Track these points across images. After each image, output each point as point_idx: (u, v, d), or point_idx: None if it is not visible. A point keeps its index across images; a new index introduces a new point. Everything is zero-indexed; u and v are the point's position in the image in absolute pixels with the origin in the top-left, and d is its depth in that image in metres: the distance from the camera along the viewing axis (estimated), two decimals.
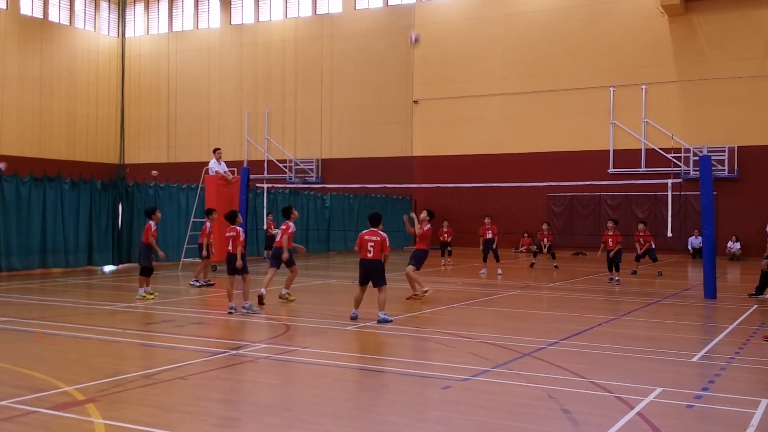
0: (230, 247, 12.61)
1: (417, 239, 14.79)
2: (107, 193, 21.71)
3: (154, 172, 20.60)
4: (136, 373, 7.80)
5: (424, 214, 14.92)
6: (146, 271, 14.28)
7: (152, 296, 14.19)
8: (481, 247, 21.70)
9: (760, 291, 15.37)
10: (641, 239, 21.65)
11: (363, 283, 11.80)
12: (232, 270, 12.57)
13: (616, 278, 18.91)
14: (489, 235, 21.40)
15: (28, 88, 40.60)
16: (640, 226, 21.95)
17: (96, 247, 21.27)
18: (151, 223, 14.45)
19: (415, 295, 14.50)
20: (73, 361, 8.56)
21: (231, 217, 13.02)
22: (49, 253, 20.11)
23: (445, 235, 24.23)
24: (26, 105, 40.49)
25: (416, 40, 19.57)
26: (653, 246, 21.72)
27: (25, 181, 19.60)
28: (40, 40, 41.28)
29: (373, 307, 11.75)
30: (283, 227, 13.84)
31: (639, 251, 21.65)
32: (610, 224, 19.81)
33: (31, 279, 18.28)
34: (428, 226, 14.80)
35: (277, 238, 14.03)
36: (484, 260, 21.56)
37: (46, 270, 19.96)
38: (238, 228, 12.74)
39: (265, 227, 24.26)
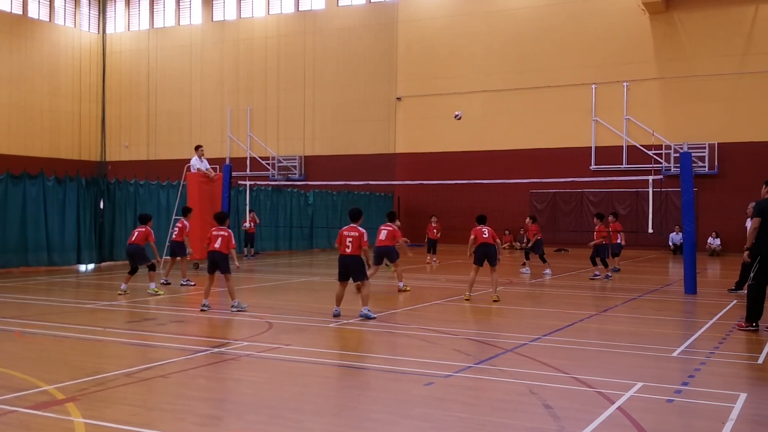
0: (218, 245, 12.56)
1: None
2: (89, 191, 21.51)
3: None
4: (116, 372, 7.74)
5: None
6: (152, 267, 14.95)
7: (162, 293, 14.71)
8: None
9: (739, 286, 15.51)
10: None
11: (342, 278, 11.85)
12: (214, 269, 12.60)
13: (596, 272, 18.89)
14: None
15: (7, 85, 40.16)
16: (610, 217, 21.13)
17: (77, 245, 21.05)
18: (150, 229, 15.08)
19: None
20: (52, 360, 8.48)
21: (221, 219, 13.16)
22: (30, 251, 19.90)
23: (434, 231, 23.54)
24: (5, 102, 40.06)
25: (459, 117, 20.30)
26: (620, 242, 20.74)
27: (1, 178, 19.37)
28: (20, 36, 40.85)
29: (355, 304, 11.73)
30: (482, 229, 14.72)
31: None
32: (595, 219, 19.81)
33: (10, 277, 18.09)
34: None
35: (473, 235, 15.35)
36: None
37: (26, 268, 19.77)
38: (228, 230, 12.87)
39: (246, 224, 24.13)
